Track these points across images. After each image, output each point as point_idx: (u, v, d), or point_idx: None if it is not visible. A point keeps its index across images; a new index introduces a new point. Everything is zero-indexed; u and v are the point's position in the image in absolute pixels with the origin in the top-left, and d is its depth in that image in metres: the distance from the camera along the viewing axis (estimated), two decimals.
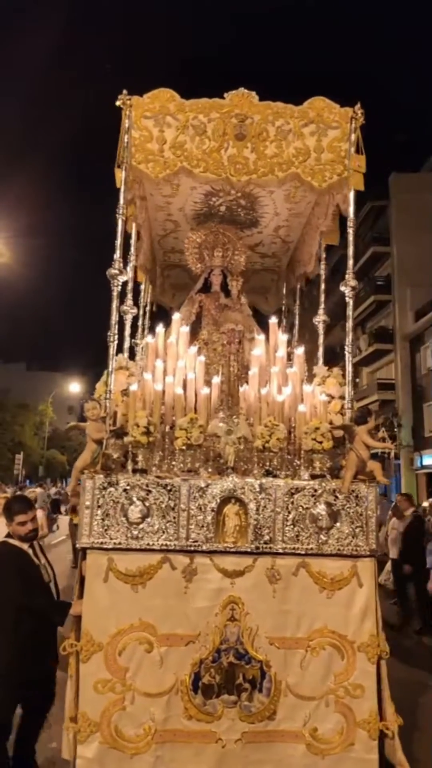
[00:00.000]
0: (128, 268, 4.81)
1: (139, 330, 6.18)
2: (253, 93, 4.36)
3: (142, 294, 6.40)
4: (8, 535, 4.05)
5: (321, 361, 5.44)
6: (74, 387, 52.10)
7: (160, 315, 6.91)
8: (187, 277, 6.65)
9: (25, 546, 3.98)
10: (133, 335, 5.67)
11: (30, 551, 4.02)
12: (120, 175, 4.31)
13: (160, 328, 5.11)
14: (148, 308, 6.58)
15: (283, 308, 7.06)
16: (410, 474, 27.43)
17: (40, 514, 10.59)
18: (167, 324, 5.36)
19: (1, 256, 20.44)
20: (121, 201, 4.32)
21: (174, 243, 6.31)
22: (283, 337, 5.12)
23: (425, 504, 16.36)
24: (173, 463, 4.21)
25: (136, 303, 5.49)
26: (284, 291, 6.98)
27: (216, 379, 4.70)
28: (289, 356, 5.14)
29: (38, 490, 19.97)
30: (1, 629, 3.71)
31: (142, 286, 6.40)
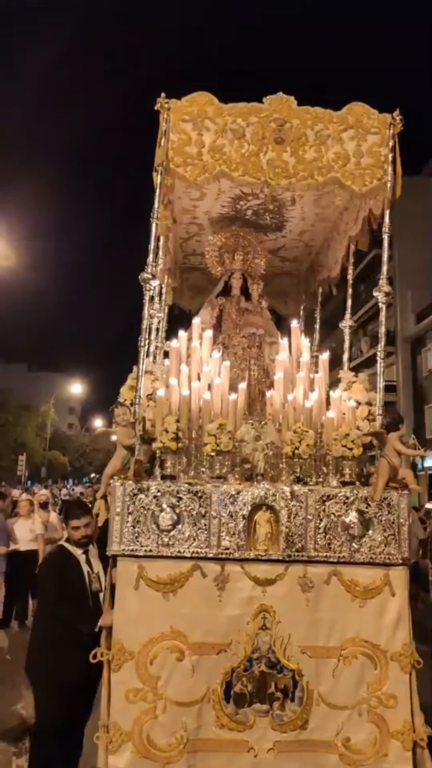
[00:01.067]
0: (158, 271, 4.77)
1: (159, 334, 6.14)
2: (292, 98, 4.33)
3: (163, 297, 6.36)
4: (68, 539, 4.20)
5: (346, 366, 5.42)
6: (76, 388, 52.10)
7: (178, 318, 6.88)
8: (206, 279, 6.62)
9: (79, 551, 4.07)
10: (155, 339, 5.64)
11: (83, 557, 4.11)
12: (157, 179, 4.28)
13: (183, 333, 5.08)
14: (167, 312, 6.55)
15: (302, 312, 7.04)
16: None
17: (53, 516, 10.58)
18: (185, 327, 5.32)
19: (7, 259, 20.37)
20: (156, 204, 4.28)
21: (195, 246, 6.28)
22: (305, 342, 5.09)
23: (429, 505, 16.36)
24: (201, 469, 4.18)
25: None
26: (304, 295, 6.96)
27: (242, 385, 4.67)
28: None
29: (43, 490, 19.92)
30: (41, 634, 3.73)
31: (164, 290, 6.36)
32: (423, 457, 21.69)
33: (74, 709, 3.94)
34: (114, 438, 4.17)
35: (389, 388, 30.28)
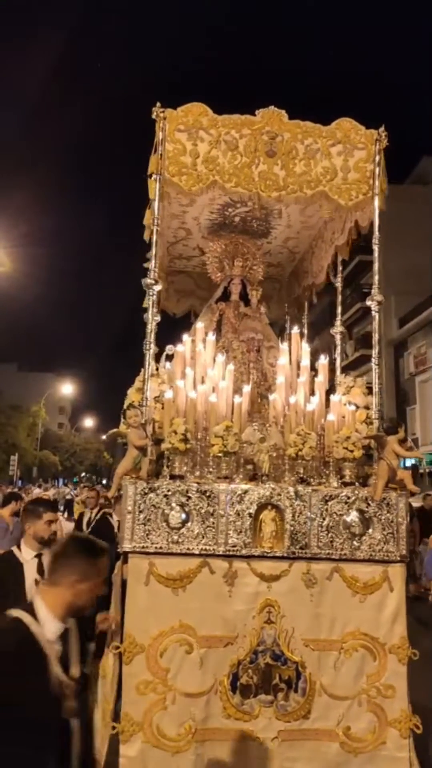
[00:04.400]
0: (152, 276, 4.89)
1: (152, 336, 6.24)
2: (283, 111, 4.50)
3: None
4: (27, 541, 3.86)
5: (339, 370, 5.60)
6: (66, 388, 51.92)
7: (164, 321, 6.98)
8: (192, 283, 6.78)
9: (32, 554, 3.82)
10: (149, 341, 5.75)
11: (35, 562, 3.81)
12: (153, 186, 4.40)
13: (186, 337, 5.22)
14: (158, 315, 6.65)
15: (287, 317, 7.21)
16: None
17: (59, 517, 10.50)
18: (174, 330, 5.45)
19: (2, 265, 20.40)
20: (156, 212, 4.41)
21: (183, 250, 6.42)
22: (306, 347, 5.26)
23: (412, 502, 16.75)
24: (206, 469, 4.32)
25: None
26: (287, 300, 7.12)
27: (247, 388, 4.83)
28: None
29: (37, 490, 19.83)
30: None
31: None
32: (420, 458, 22.15)
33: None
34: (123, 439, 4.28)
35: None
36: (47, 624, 2.24)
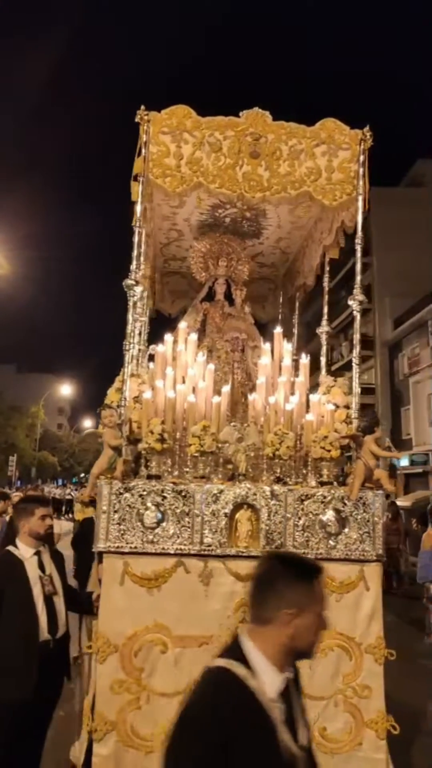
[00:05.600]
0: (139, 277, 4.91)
1: (141, 337, 6.27)
2: (267, 113, 4.50)
3: (145, 301, 6.49)
4: (22, 539, 3.96)
5: (324, 370, 5.60)
6: (65, 389, 52.07)
7: (160, 322, 7.02)
8: (186, 284, 6.77)
9: (30, 552, 3.91)
10: (137, 342, 5.77)
11: (35, 559, 3.92)
12: (137, 188, 4.42)
13: (168, 337, 5.21)
14: (148, 315, 6.67)
15: (280, 316, 7.21)
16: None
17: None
18: (169, 331, 5.45)
19: (1, 267, 20.52)
20: (138, 213, 4.42)
21: (176, 251, 6.42)
22: (288, 347, 5.26)
23: (399, 503, 16.78)
24: (184, 469, 4.32)
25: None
26: (281, 300, 7.13)
27: (226, 388, 4.82)
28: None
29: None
30: None
31: (145, 294, 6.48)
32: (398, 458, 22.20)
33: (22, 735, 3.72)
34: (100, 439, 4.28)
35: (368, 391, 30.95)
36: (266, 676, 1.70)
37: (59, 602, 3.95)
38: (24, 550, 3.93)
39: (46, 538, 4.11)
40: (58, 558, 4.18)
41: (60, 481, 46.10)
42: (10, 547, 3.98)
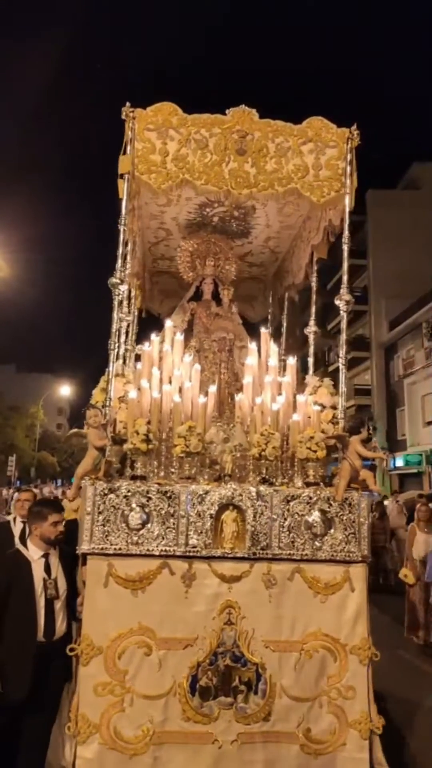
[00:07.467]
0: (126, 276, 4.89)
1: (130, 337, 6.25)
2: (254, 111, 4.49)
3: (133, 301, 6.47)
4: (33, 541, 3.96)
5: (312, 370, 5.59)
6: (64, 389, 52.02)
7: (149, 322, 7.00)
8: (176, 283, 6.74)
9: (39, 554, 3.90)
10: (125, 342, 5.75)
11: (42, 561, 3.91)
12: (122, 186, 4.39)
13: (155, 336, 5.19)
14: (136, 315, 6.65)
15: (270, 316, 7.20)
16: (384, 475, 28.18)
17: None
18: (157, 330, 5.43)
19: (0, 270, 20.53)
20: (123, 211, 4.40)
21: (164, 250, 6.40)
22: (274, 347, 5.24)
23: (386, 502, 16.89)
24: (171, 470, 4.30)
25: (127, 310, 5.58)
26: (270, 300, 7.12)
27: (212, 388, 4.80)
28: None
29: (35, 490, 19.83)
30: None
31: (133, 293, 6.46)
32: (385, 459, 22.33)
33: (20, 736, 3.71)
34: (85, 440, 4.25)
35: (365, 392, 31.04)
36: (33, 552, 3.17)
37: (59, 606, 3.91)
38: (33, 551, 3.94)
39: (57, 543, 4.03)
40: (69, 561, 4.05)
41: (59, 482, 46.01)
42: (20, 547, 4.00)
